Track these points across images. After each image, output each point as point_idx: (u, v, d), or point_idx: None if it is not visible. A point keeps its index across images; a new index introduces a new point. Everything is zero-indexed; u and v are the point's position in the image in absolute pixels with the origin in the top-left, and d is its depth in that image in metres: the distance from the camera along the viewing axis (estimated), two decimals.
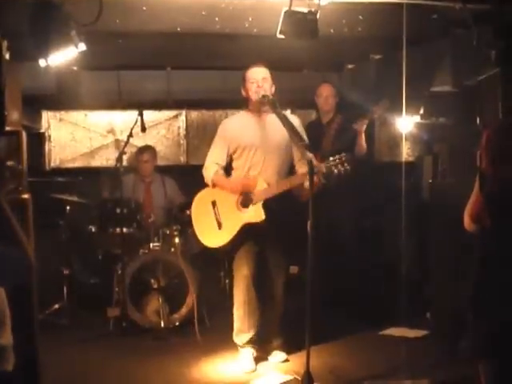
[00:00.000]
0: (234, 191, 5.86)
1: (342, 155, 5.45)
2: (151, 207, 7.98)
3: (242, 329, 5.96)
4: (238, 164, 5.99)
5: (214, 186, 5.99)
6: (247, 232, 5.82)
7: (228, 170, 6.09)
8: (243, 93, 5.99)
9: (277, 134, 5.87)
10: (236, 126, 6.03)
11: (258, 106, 5.93)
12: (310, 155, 5.24)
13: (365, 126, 7.24)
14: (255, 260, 5.88)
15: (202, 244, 6.11)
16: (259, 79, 5.85)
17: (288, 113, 6.43)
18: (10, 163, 3.16)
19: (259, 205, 5.73)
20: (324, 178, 5.54)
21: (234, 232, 5.82)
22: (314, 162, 5.17)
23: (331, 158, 5.46)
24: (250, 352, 5.96)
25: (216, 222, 5.93)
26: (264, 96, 5.75)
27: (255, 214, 5.75)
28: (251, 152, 5.89)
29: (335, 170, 5.44)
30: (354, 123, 7.26)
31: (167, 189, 8.27)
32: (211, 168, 5.99)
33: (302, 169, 5.83)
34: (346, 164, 5.42)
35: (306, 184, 5.53)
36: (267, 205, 5.72)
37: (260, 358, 5.99)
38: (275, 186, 5.74)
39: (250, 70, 5.94)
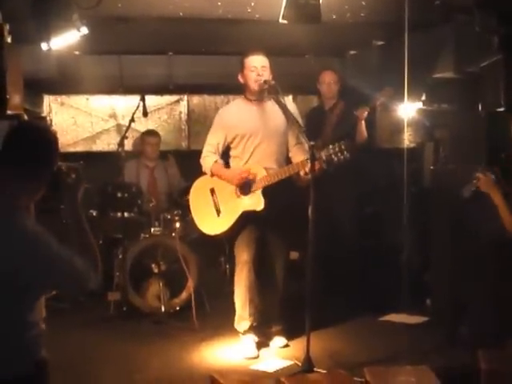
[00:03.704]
0: (231, 183, 5.84)
1: (341, 143, 5.46)
2: (156, 192, 8.00)
3: (244, 316, 5.96)
4: (236, 152, 5.95)
5: (212, 175, 5.97)
6: (246, 219, 5.81)
7: (225, 158, 6.05)
8: (240, 79, 5.91)
9: (274, 121, 5.86)
10: (233, 114, 5.97)
11: (256, 94, 5.87)
12: (312, 142, 5.27)
13: (366, 114, 7.21)
14: (255, 246, 5.88)
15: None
16: (259, 67, 5.77)
17: (287, 99, 6.39)
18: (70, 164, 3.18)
19: (258, 192, 5.72)
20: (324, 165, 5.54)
21: (233, 219, 5.81)
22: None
23: (330, 146, 5.47)
24: (251, 338, 5.96)
25: (215, 210, 5.91)
26: (266, 81, 5.72)
27: (254, 201, 5.74)
28: (250, 140, 5.85)
29: (335, 158, 5.45)
30: (355, 110, 7.23)
31: (170, 174, 8.29)
32: (210, 158, 5.94)
33: (297, 155, 5.84)
34: (345, 152, 5.43)
35: (302, 172, 5.55)
36: (267, 190, 5.71)
37: (260, 343, 6.00)
38: (274, 174, 5.71)
39: (250, 57, 5.84)
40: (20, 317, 2.85)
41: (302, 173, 5.58)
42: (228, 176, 5.85)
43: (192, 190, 6.16)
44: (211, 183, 5.97)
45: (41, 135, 3.02)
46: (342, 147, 5.44)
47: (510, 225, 4.15)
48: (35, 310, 2.93)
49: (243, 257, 5.88)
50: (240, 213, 5.78)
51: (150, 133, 8.47)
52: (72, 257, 2.89)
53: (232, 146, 5.95)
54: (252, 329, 5.97)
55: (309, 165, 5.26)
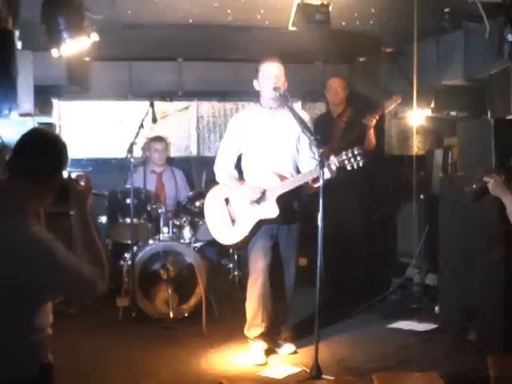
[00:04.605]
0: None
1: (355, 148, 5.45)
2: (164, 197, 8.02)
3: (255, 323, 5.94)
4: (249, 160, 5.95)
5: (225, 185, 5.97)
6: (261, 227, 5.80)
7: (239, 164, 6.04)
8: (256, 85, 5.91)
9: (288, 129, 5.84)
10: (247, 122, 5.95)
11: (270, 102, 5.87)
12: (321, 150, 5.28)
13: (374, 121, 7.20)
14: (270, 253, 5.86)
15: (212, 235, 6.11)
16: (274, 76, 5.76)
17: (298, 108, 6.41)
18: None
19: (273, 200, 5.71)
20: (336, 172, 5.53)
21: (249, 228, 5.79)
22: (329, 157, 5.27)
23: (344, 152, 5.47)
24: (260, 345, 5.95)
25: (230, 219, 5.89)
26: (275, 88, 5.71)
27: (270, 209, 5.72)
28: (263, 147, 5.85)
29: (348, 164, 5.45)
30: (364, 118, 7.22)
31: (177, 180, 8.31)
32: (224, 169, 5.93)
33: (305, 164, 5.84)
34: (358, 158, 5.42)
35: (311, 181, 5.57)
36: (279, 198, 5.71)
37: (269, 349, 5.99)
38: (288, 182, 5.72)
39: (266, 64, 5.81)
40: (26, 321, 2.88)
41: (310, 182, 5.60)
42: (240, 191, 5.86)
43: (207, 201, 6.14)
44: (226, 193, 5.95)
45: (51, 143, 3.04)
46: (356, 152, 5.44)
47: None
48: (42, 315, 2.95)
49: (259, 265, 5.86)
50: (256, 221, 5.77)
51: (157, 139, 8.49)
52: (79, 263, 2.92)
53: (245, 152, 5.95)
54: (262, 335, 5.96)
55: (320, 172, 5.26)
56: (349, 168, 5.47)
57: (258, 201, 5.74)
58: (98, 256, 3.05)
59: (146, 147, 8.65)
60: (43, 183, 2.98)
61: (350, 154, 5.44)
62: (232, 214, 5.89)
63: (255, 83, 5.90)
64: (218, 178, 5.98)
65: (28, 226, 2.86)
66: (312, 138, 5.62)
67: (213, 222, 6.04)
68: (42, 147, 3.00)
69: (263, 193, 5.72)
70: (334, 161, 5.45)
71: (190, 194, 7.72)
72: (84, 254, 3.01)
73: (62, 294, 3.07)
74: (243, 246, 5.97)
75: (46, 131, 3.22)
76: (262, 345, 5.94)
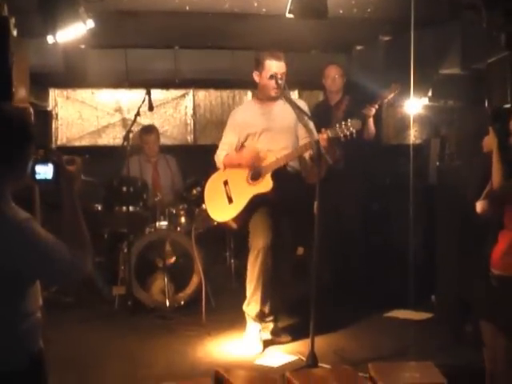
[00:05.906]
0: (244, 163, 5.84)
1: (348, 120, 5.47)
2: (160, 186, 7.99)
3: (254, 299, 5.88)
4: None
5: (225, 167, 5.98)
6: (257, 204, 5.79)
7: None
8: (256, 77, 5.89)
9: (286, 120, 5.86)
10: (245, 114, 6.00)
11: (268, 95, 5.89)
12: (317, 137, 5.28)
13: (374, 111, 7.16)
14: (271, 233, 5.82)
15: (208, 223, 6.11)
16: (279, 74, 5.76)
17: (295, 97, 6.41)
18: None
19: (268, 176, 5.73)
20: (331, 150, 5.53)
21: (244, 203, 5.80)
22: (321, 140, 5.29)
23: (337, 125, 5.48)
24: (257, 330, 5.92)
25: (227, 198, 5.92)
26: (272, 76, 5.71)
27: (264, 184, 5.74)
28: (261, 137, 5.87)
29: (341, 134, 5.46)
30: (363, 108, 7.17)
31: (172, 167, 8.26)
32: (222, 153, 5.98)
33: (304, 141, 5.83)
34: (351, 128, 5.43)
35: (307, 155, 5.57)
36: (278, 185, 5.70)
37: (265, 338, 5.98)
38: (282, 157, 5.73)
39: (271, 60, 5.77)
40: (11, 307, 2.85)
41: (306, 155, 5.60)
42: (238, 157, 5.89)
43: (207, 185, 6.17)
44: (225, 176, 5.99)
45: (9, 117, 2.99)
46: (349, 123, 5.46)
47: (496, 184, 4.18)
48: (30, 299, 2.92)
49: (260, 243, 5.78)
50: (250, 197, 5.78)
51: (147, 130, 8.35)
52: (60, 245, 2.88)
53: (245, 144, 5.96)
54: (261, 316, 5.90)
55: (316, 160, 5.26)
56: (342, 138, 5.48)
57: (255, 177, 5.76)
58: (82, 239, 3.01)
59: (137, 137, 8.58)
60: (18, 163, 2.95)
61: (343, 126, 5.46)
62: (229, 194, 5.91)
63: (255, 75, 5.88)
64: (218, 164, 6.03)
65: (6, 210, 2.85)
66: (310, 120, 5.65)
67: (211, 202, 6.08)
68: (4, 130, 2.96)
69: (259, 169, 5.75)
70: (327, 132, 5.48)
71: (187, 182, 7.69)
72: (69, 236, 2.98)
73: (43, 276, 3.03)
74: (240, 225, 5.94)
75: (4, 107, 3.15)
76: (259, 329, 5.91)
